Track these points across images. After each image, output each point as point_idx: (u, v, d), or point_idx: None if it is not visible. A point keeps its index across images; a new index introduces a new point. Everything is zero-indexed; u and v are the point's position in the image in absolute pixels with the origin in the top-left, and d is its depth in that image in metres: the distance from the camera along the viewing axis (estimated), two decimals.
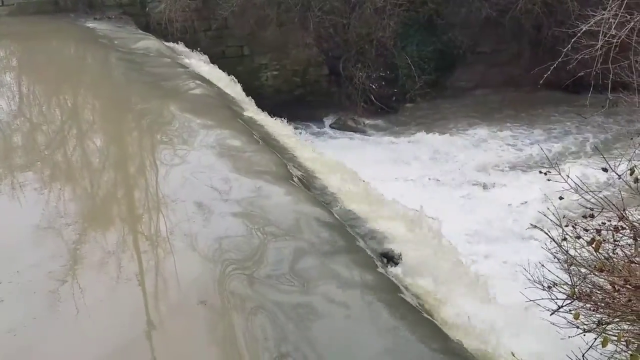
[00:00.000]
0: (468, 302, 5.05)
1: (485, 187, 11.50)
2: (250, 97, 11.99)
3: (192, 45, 14.74)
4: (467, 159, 12.70)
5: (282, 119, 10.43)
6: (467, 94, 16.28)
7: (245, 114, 9.44)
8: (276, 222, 5.40)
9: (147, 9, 15.80)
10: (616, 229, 3.34)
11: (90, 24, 14.74)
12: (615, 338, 3.11)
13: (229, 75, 12.88)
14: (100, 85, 10.73)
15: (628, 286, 2.89)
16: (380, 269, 5.01)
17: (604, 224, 3.42)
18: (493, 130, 14.25)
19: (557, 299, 3.59)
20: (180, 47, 14.44)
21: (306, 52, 15.91)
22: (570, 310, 3.29)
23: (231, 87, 11.91)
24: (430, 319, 4.51)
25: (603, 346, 3.07)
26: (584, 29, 4.38)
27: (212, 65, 13.40)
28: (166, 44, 14.06)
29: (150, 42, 13.19)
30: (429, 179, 11.87)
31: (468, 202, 10.77)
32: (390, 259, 5.55)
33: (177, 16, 15.16)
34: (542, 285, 3.88)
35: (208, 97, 9.63)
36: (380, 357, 3.82)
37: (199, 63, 12.96)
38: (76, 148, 7.75)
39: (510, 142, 13.61)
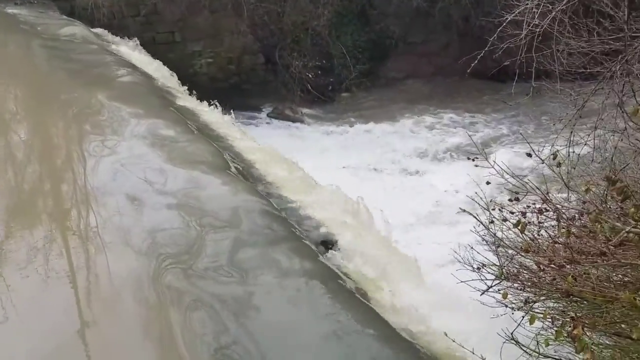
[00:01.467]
0: (403, 285, 5.19)
1: (418, 174, 11.84)
2: (184, 85, 11.71)
3: (120, 31, 14.18)
4: (401, 147, 13.02)
5: (218, 107, 10.26)
6: (399, 83, 16.63)
7: (178, 102, 9.21)
8: (213, 214, 5.32)
9: None
10: (540, 211, 3.53)
11: (11, 10, 13.89)
12: (542, 315, 3.28)
13: (160, 62, 12.50)
14: (23, 74, 10.15)
15: (552, 266, 3.06)
16: (319, 257, 5.05)
17: (529, 206, 3.60)
18: (425, 119, 14.66)
19: (486, 279, 3.74)
20: (107, 33, 13.87)
21: (241, 40, 15.69)
22: (499, 290, 3.44)
23: (163, 74, 11.57)
24: (368, 303, 4.60)
25: (530, 323, 3.23)
26: (509, 18, 4.57)
27: (142, 52, 12.96)
28: (93, 30, 13.47)
29: (75, 28, 12.58)
30: (365, 167, 12.07)
31: (402, 189, 11.05)
32: (329, 246, 5.61)
33: (104, 1, 14.53)
34: (472, 266, 4.04)
35: (138, 85, 9.32)
36: (320, 344, 3.87)
37: (128, 50, 12.51)
38: None
39: (441, 130, 14.07)
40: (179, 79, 12.00)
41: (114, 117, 7.78)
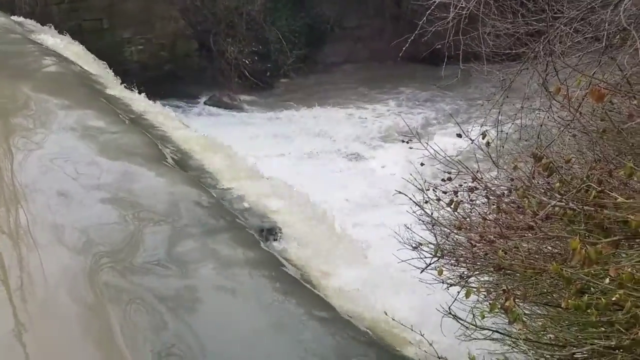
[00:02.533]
0: (346, 268, 5.26)
1: (357, 158, 11.98)
2: (115, 73, 11.29)
3: (43, 19, 13.48)
4: (339, 132, 13.14)
5: (152, 96, 9.96)
6: (337, 68, 16.72)
7: (108, 91, 8.88)
8: (150, 206, 5.19)
9: None
10: (471, 189, 3.65)
11: None
12: (476, 289, 3.41)
13: (88, 51, 11.99)
14: None
15: (484, 241, 3.18)
16: (261, 245, 5.04)
17: (461, 185, 3.72)
18: (361, 103, 14.84)
19: (425, 257, 3.84)
20: (30, 22, 13.15)
21: (173, 25, 15.26)
22: (436, 268, 3.54)
23: (91, 63, 11.12)
24: (312, 289, 4.65)
25: (466, 297, 3.35)
26: (437, 1, 4.67)
27: (68, 40, 12.39)
28: (14, 19, 12.75)
29: None
30: (305, 153, 12.09)
31: (342, 174, 11.17)
32: (271, 233, 5.61)
33: None
34: (411, 246, 4.14)
35: (65, 75, 8.94)
36: (264, 332, 3.87)
37: (53, 39, 11.92)
38: None
39: (377, 114, 14.28)
40: (109, 68, 11.56)
41: (41, 110, 7.42)
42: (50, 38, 11.87)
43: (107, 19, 14.74)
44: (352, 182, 10.58)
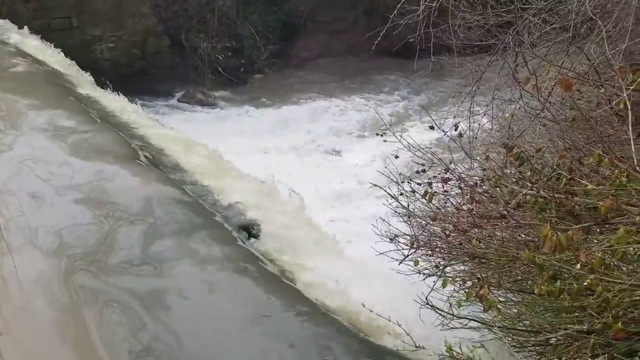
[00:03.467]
0: (323, 262, 5.27)
1: (333, 152, 12.01)
2: (85, 72, 11.10)
3: (10, 18, 13.15)
4: (314, 127, 13.15)
5: (124, 94, 9.81)
6: (311, 63, 16.67)
7: (79, 90, 8.74)
8: (124, 206, 5.13)
9: None
10: (444, 180, 3.70)
11: None
12: (452, 279, 3.46)
13: (57, 49, 11.76)
14: None
15: (457, 231, 3.23)
16: (238, 242, 5.02)
17: (435, 177, 3.77)
18: (337, 97, 14.83)
19: (402, 249, 3.88)
20: None
21: (144, 22, 15.02)
22: (413, 259, 3.57)
23: (60, 62, 10.91)
24: (290, 284, 4.65)
25: (443, 287, 3.40)
26: None
27: (36, 39, 12.12)
28: None
29: None
30: (280, 148, 12.07)
31: (318, 169, 11.18)
32: (249, 230, 5.59)
33: None
34: (390, 238, 4.18)
35: (34, 75, 8.78)
36: (243, 328, 3.87)
37: (21, 38, 11.65)
38: None
39: (352, 108, 14.30)
40: (79, 66, 11.35)
41: (10, 110, 7.26)
42: (17, 37, 11.59)
43: (76, 17, 14.44)
44: (328, 175, 10.60)
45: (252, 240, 5.48)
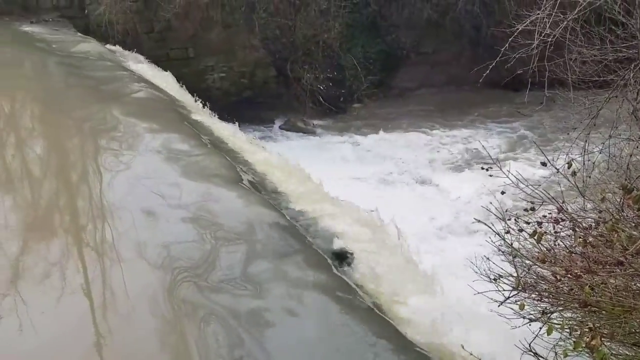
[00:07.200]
0: (418, 297, 5.14)
1: (431, 184, 11.78)
2: (198, 99, 11.81)
3: (134, 48, 14.38)
4: (413, 158, 12.99)
5: (231, 121, 10.32)
6: (411, 93, 16.62)
7: (192, 116, 9.29)
8: (227, 227, 5.33)
9: (86, 11, 15.30)
10: (556, 220, 3.49)
11: (27, 28, 14.17)
12: (559, 326, 3.24)
13: (174, 78, 12.64)
14: (39, 91, 10.30)
15: (569, 276, 3.02)
16: (333, 269, 5.03)
17: (545, 216, 3.57)
18: (438, 128, 14.61)
19: (503, 290, 3.70)
20: (122, 50, 14.06)
21: (253, 54, 15.84)
22: (516, 301, 3.40)
23: (177, 90, 11.69)
24: (384, 317, 4.57)
25: (548, 334, 3.19)
26: (520, 28, 4.56)
27: (156, 67, 13.12)
28: (107, 46, 13.67)
29: (90, 45, 12.80)
30: (378, 177, 12.04)
31: (416, 200, 11.00)
32: (343, 258, 5.58)
33: (118, 18, 14.76)
34: (489, 277, 4.00)
35: (153, 101, 9.43)
36: (334, 357, 3.84)
37: (143, 66, 12.68)
38: (15, 156, 7.42)
39: (454, 140, 13.99)
40: (192, 94, 12.10)
41: (129, 132, 7.86)
42: (139, 65, 12.62)
43: (192, 48, 15.53)
44: (425, 208, 10.40)
45: (346, 268, 5.46)
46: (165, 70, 13.07)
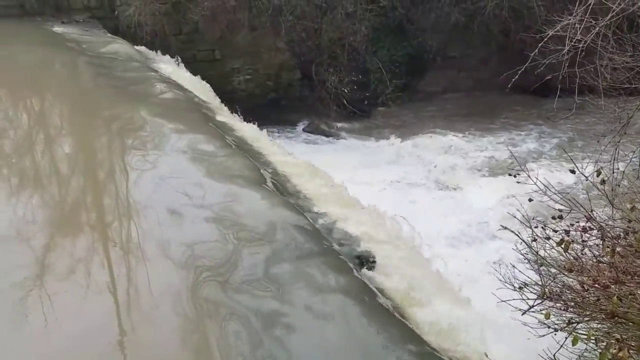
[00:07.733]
0: (441, 304, 5.09)
1: (456, 189, 11.66)
2: (223, 101, 11.91)
3: (162, 49, 14.56)
4: (438, 162, 12.85)
5: (256, 122, 10.39)
6: (437, 97, 16.49)
7: (217, 118, 9.36)
8: (250, 227, 5.36)
9: (116, 12, 15.57)
10: (584, 229, 3.42)
11: (58, 28, 14.45)
12: (585, 337, 3.17)
13: (200, 79, 12.76)
14: (68, 90, 10.51)
15: (597, 285, 2.95)
16: (354, 272, 5.02)
17: (572, 225, 3.50)
18: (463, 133, 14.46)
19: (528, 299, 3.64)
20: (150, 51, 14.26)
21: (279, 56, 15.92)
22: (540, 310, 3.34)
23: (203, 91, 11.80)
24: (405, 322, 4.54)
25: (573, 345, 3.13)
26: (551, 33, 4.48)
27: (183, 69, 13.27)
28: (136, 47, 13.87)
29: (119, 46, 13.00)
30: (402, 181, 11.97)
31: (439, 205, 10.90)
32: (365, 261, 5.57)
33: (147, 20, 14.98)
34: (513, 285, 3.94)
35: (179, 102, 9.53)
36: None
37: (170, 67, 12.82)
38: (44, 154, 7.57)
39: (480, 145, 13.83)
40: (218, 95, 12.20)
41: (156, 132, 7.96)
42: (167, 66, 12.76)
43: (219, 50, 15.69)
44: (449, 213, 10.30)
45: (367, 272, 5.44)
46: (192, 72, 13.19)
